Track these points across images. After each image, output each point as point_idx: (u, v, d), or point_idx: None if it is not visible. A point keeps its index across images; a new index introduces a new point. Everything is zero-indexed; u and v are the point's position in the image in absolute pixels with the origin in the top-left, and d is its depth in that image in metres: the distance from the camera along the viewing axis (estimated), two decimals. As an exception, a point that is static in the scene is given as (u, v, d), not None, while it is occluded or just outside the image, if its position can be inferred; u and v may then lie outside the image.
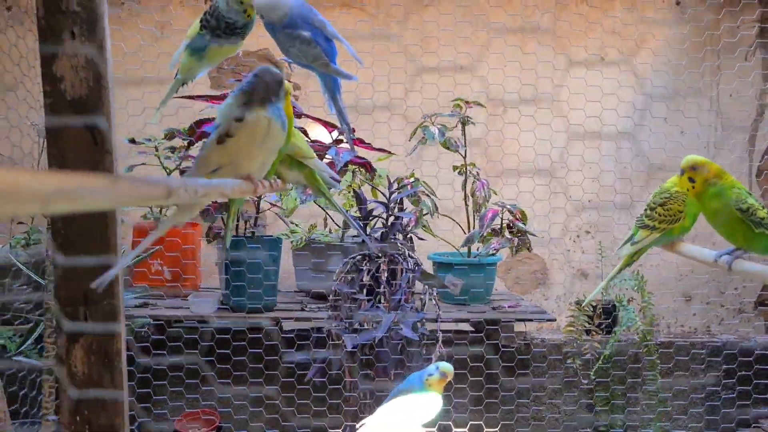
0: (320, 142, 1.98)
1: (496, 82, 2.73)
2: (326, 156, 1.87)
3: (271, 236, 2.35)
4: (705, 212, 1.08)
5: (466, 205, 2.35)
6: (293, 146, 0.96)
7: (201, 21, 0.95)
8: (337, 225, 2.48)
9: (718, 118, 2.83)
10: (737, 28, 2.76)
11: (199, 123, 2.02)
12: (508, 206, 2.23)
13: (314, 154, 1.01)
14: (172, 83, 1.03)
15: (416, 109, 2.54)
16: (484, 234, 2.21)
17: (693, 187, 1.05)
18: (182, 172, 2.24)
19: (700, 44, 2.79)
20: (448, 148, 2.29)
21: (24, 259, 2.25)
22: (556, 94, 2.79)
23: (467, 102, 2.31)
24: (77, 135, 0.95)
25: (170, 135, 2.32)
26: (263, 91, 0.85)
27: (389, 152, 2.17)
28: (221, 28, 0.92)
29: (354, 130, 2.21)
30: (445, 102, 2.44)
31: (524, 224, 2.22)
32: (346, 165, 1.90)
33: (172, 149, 2.35)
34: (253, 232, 2.31)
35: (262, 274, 2.20)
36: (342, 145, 1.97)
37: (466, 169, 2.32)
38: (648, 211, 1.19)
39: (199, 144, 2.10)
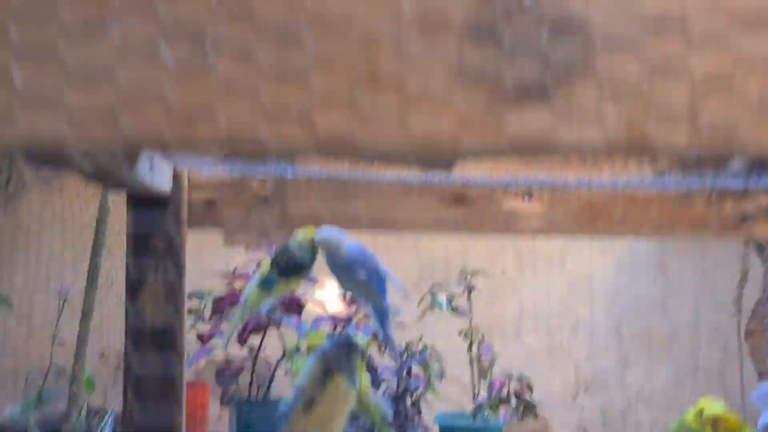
0: (339, 316, 2.09)
1: (495, 246, 2.89)
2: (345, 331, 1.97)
3: (283, 399, 2.40)
4: None
5: (472, 368, 2.44)
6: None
7: (272, 261, 1.08)
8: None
9: (704, 282, 3.00)
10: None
11: (226, 296, 2.13)
12: (516, 376, 2.32)
13: (369, 388, 1.11)
14: (239, 313, 1.14)
15: (413, 271, 2.68)
16: (492, 402, 2.28)
17: None
18: (200, 337, 2.32)
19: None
20: (454, 311, 2.40)
21: (36, 421, 2.27)
22: (553, 255, 2.95)
23: (472, 273, 2.46)
24: (153, 362, 1.05)
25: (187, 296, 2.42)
26: (343, 361, 0.97)
27: (402, 323, 2.28)
28: (291, 267, 1.05)
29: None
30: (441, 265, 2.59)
31: (531, 393, 2.29)
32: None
33: (189, 311, 2.45)
34: (265, 395, 2.36)
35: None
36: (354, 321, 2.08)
37: (471, 334, 2.43)
38: None
39: (225, 312, 2.20)
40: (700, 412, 1.18)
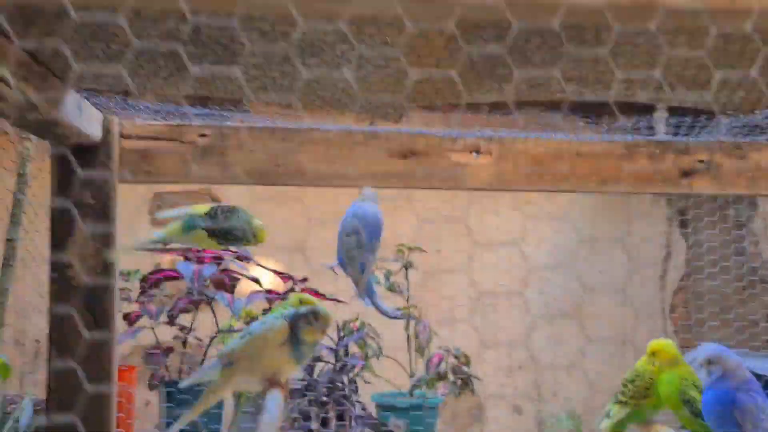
0: (275, 291, 2.03)
1: (428, 227, 2.89)
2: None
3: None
4: (660, 393, 1.23)
5: (409, 346, 2.42)
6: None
7: (211, 213, 1.00)
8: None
9: (631, 260, 3.09)
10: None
11: (154, 272, 2.03)
12: (453, 351, 2.32)
13: None
14: (155, 235, 1.04)
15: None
16: (430, 378, 2.27)
17: (654, 368, 1.21)
18: (126, 318, 2.21)
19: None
20: (392, 292, 2.38)
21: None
22: (485, 236, 2.98)
23: (409, 248, 2.44)
24: (81, 318, 0.97)
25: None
26: (297, 324, 0.93)
27: (341, 301, 2.24)
28: (222, 234, 0.98)
29: (307, 279, 2.28)
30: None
31: (468, 367, 2.30)
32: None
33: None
34: (197, 378, 2.27)
35: (206, 421, 2.15)
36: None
37: (409, 312, 2.41)
38: (621, 388, 1.32)
39: (153, 291, 2.10)
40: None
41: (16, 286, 2.53)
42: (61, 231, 0.97)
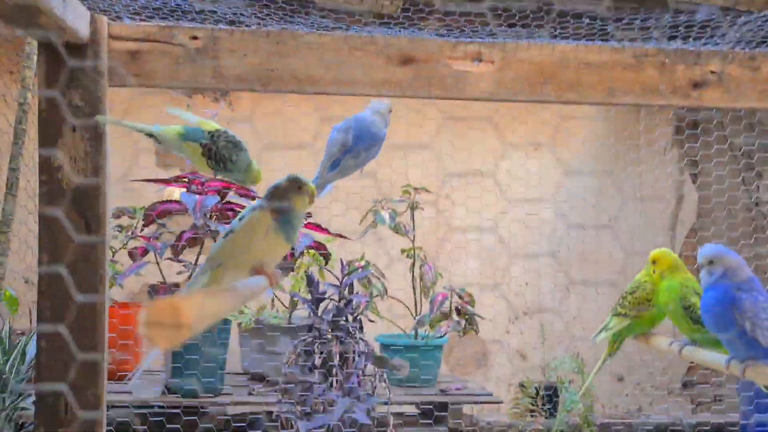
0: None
1: (440, 165, 2.86)
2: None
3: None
4: (660, 301, 1.20)
5: (414, 287, 2.41)
6: None
7: (215, 134, 0.96)
8: (285, 306, 2.48)
9: (640, 207, 3.05)
10: (656, 125, 3.02)
11: (156, 204, 2.03)
12: (457, 290, 2.31)
13: None
14: (151, 126, 0.99)
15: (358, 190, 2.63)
16: (434, 317, 2.27)
17: (655, 276, 1.19)
18: (130, 254, 2.21)
19: (623, 138, 3.03)
20: (397, 232, 2.36)
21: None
22: (493, 176, 2.94)
23: (416, 188, 2.41)
24: (72, 223, 0.96)
25: (118, 213, 2.31)
26: (278, 196, 0.90)
27: (344, 237, 2.23)
28: (216, 159, 0.95)
29: (310, 215, 2.26)
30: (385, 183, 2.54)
31: (472, 307, 2.29)
32: (303, 250, 1.94)
33: (120, 227, 2.33)
34: (201, 314, 2.28)
35: (209, 356, 2.16)
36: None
37: (414, 252, 2.40)
38: (621, 300, 1.30)
39: (153, 226, 2.10)
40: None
41: (29, 222, 2.54)
42: (49, 130, 0.95)
